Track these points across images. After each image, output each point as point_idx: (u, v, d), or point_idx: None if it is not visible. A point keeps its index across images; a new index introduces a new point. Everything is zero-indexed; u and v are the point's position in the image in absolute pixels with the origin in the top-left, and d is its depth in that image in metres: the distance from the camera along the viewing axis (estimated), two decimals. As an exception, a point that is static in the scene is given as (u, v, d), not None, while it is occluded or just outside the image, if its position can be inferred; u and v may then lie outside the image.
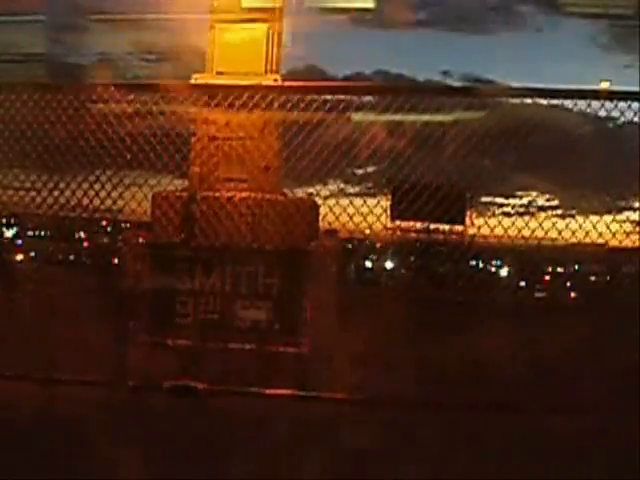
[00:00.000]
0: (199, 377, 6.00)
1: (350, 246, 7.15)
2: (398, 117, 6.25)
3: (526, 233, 6.38)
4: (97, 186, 6.52)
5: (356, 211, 6.42)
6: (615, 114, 6.12)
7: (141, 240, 6.44)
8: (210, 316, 6.32)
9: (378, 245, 7.35)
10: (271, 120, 6.38)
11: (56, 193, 6.56)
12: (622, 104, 6.08)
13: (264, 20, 6.54)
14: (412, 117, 6.23)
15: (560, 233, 6.31)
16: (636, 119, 6.14)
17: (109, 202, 6.53)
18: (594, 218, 6.37)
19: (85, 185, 6.55)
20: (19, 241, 7.55)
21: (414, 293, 6.99)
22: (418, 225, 6.93)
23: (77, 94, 6.45)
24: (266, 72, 6.52)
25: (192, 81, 6.51)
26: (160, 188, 6.53)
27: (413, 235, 7.05)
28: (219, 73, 6.54)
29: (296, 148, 6.29)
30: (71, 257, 7.46)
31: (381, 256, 7.61)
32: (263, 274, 6.27)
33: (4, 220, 7.51)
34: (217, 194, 6.39)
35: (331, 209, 6.39)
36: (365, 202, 6.50)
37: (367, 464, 4.69)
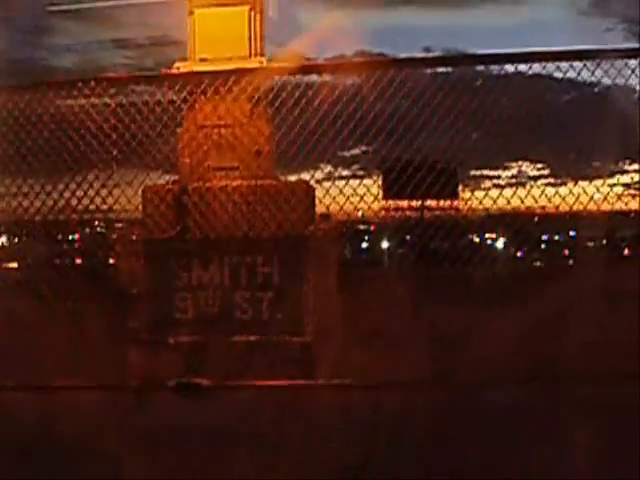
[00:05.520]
0: (203, 373, 5.88)
1: (347, 229, 7.04)
2: (384, 94, 6.13)
3: (519, 203, 6.30)
4: (86, 186, 6.38)
5: (349, 193, 6.31)
6: (598, 75, 6.05)
7: (134, 237, 6.30)
8: (210, 310, 6.21)
9: (375, 226, 7.25)
10: (259, 104, 6.24)
11: (45, 197, 6.43)
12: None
13: (243, 1, 6.39)
14: (397, 92, 6.11)
15: (552, 201, 6.24)
16: (619, 80, 6.08)
17: (99, 201, 6.39)
18: (584, 184, 6.31)
19: (73, 186, 6.41)
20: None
21: (414, 272, 6.88)
22: (412, 203, 6.85)
23: (57, 92, 6.29)
24: (250, 55, 6.39)
25: (175, 70, 6.37)
26: (150, 183, 6.38)
27: (408, 213, 6.96)
28: (202, 60, 6.40)
29: (285, 132, 6.17)
30: (66, 260, 7.32)
31: (379, 237, 7.51)
32: (262, 263, 6.14)
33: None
34: (209, 184, 6.25)
35: (327, 192, 6.27)
36: (358, 184, 6.38)
37: (381, 449, 4.60)
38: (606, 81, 6.06)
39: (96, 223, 7.05)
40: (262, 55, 6.48)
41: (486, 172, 6.96)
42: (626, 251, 8.24)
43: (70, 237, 7.36)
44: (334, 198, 6.29)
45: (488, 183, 6.80)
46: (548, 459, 4.27)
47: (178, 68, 6.37)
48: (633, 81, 6.03)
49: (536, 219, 6.87)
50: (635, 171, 6.69)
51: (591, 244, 7.85)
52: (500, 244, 7.92)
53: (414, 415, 4.99)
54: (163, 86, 6.23)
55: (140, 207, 6.38)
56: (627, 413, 4.77)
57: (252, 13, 6.43)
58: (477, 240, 7.61)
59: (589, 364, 5.44)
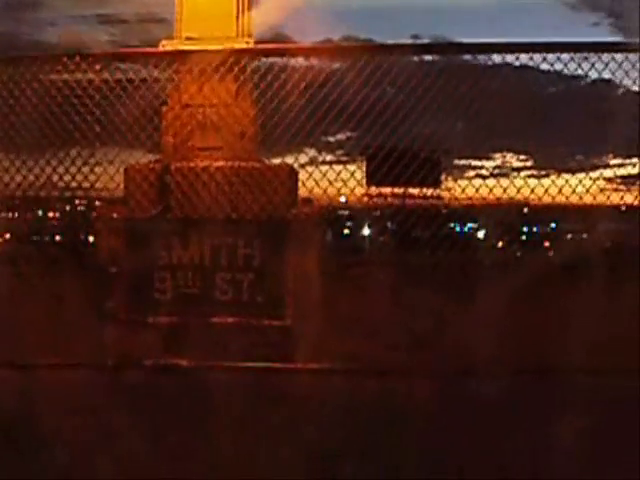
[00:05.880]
0: (181, 354, 5.86)
1: (329, 214, 7.02)
2: (370, 80, 6.12)
3: (502, 194, 6.33)
4: (68, 163, 6.34)
5: (332, 178, 6.30)
6: (585, 68, 6.07)
7: (115, 215, 6.27)
8: (190, 291, 6.19)
9: (358, 212, 7.24)
10: (245, 85, 6.21)
11: (26, 172, 6.39)
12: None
13: (232, -20, 6.36)
14: (383, 79, 6.11)
15: (535, 192, 6.28)
16: (606, 74, 6.12)
17: (80, 178, 6.36)
18: (567, 176, 6.35)
19: (55, 162, 6.37)
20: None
21: (396, 258, 6.88)
22: (395, 190, 6.84)
23: (41, 66, 6.24)
24: (237, 35, 6.36)
25: (160, 48, 6.33)
26: (133, 161, 6.35)
27: (390, 200, 6.96)
28: (189, 39, 6.36)
29: (270, 114, 6.16)
30: (46, 237, 7.26)
31: (361, 223, 7.50)
32: (243, 245, 6.13)
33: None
34: (192, 164, 6.23)
35: (310, 175, 6.27)
36: (341, 170, 6.38)
37: (357, 434, 4.59)
38: (593, 74, 6.11)
39: (77, 201, 7.00)
40: (249, 36, 6.45)
41: (470, 162, 6.97)
42: (606, 244, 8.27)
43: (51, 214, 7.31)
44: (317, 183, 6.29)
45: (471, 173, 6.82)
46: (535, 451, 4.29)
47: (164, 46, 6.34)
48: (620, 75, 6.07)
49: (518, 210, 6.89)
50: (618, 165, 6.74)
51: (570, 236, 7.89)
52: (481, 234, 7.94)
53: (394, 402, 5.00)
54: (149, 64, 6.20)
55: (122, 185, 6.35)
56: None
57: (240, -8, 6.41)
58: (459, 229, 7.63)
59: (573, 355, 5.47)
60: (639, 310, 5.59)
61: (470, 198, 6.44)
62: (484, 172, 6.80)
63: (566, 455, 4.08)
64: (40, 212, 7.21)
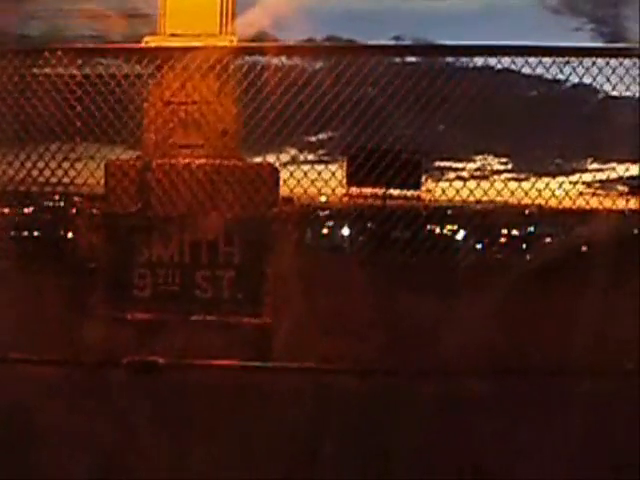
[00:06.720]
0: (160, 351, 5.85)
1: (310, 213, 7.03)
2: (353, 80, 6.14)
3: (482, 196, 6.36)
4: (47, 157, 6.30)
5: (314, 178, 6.31)
6: (566, 73, 6.12)
7: (95, 211, 6.25)
8: (169, 288, 6.17)
9: (339, 212, 7.25)
10: (227, 83, 6.20)
11: (6, 167, 6.34)
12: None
13: (216, -24, 6.35)
14: (365, 79, 6.12)
15: (514, 195, 6.31)
16: (586, 79, 6.16)
17: (60, 173, 6.31)
18: (547, 180, 6.40)
19: (35, 157, 6.32)
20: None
21: (375, 258, 6.90)
22: (376, 191, 6.86)
23: (21, 60, 6.20)
24: (221, 33, 6.35)
25: (143, 44, 6.31)
26: (114, 157, 6.32)
27: (371, 201, 6.98)
28: (172, 35, 6.35)
29: (252, 113, 6.16)
30: (24, 232, 7.22)
31: (341, 223, 7.50)
32: (223, 243, 6.13)
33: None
34: (173, 161, 6.21)
35: (291, 174, 6.27)
36: (322, 169, 6.39)
37: (334, 433, 4.62)
38: (574, 79, 6.16)
39: (57, 197, 6.95)
40: (233, 34, 6.44)
41: (450, 164, 6.99)
42: (584, 248, 8.34)
43: (30, 209, 7.26)
44: (298, 182, 6.29)
45: (452, 175, 6.84)
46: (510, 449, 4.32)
47: (147, 42, 6.32)
48: (600, 80, 6.12)
49: (498, 213, 6.92)
50: (596, 170, 6.79)
51: (549, 240, 7.93)
52: (460, 236, 7.96)
53: (373, 400, 5.02)
54: (131, 60, 6.18)
55: (102, 182, 6.32)
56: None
57: (224, -11, 6.40)
58: (438, 231, 7.65)
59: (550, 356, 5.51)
60: (615, 311, 5.65)
61: (450, 200, 6.46)
62: (464, 174, 6.83)
63: (546, 453, 4.11)
64: (19, 207, 7.16)
